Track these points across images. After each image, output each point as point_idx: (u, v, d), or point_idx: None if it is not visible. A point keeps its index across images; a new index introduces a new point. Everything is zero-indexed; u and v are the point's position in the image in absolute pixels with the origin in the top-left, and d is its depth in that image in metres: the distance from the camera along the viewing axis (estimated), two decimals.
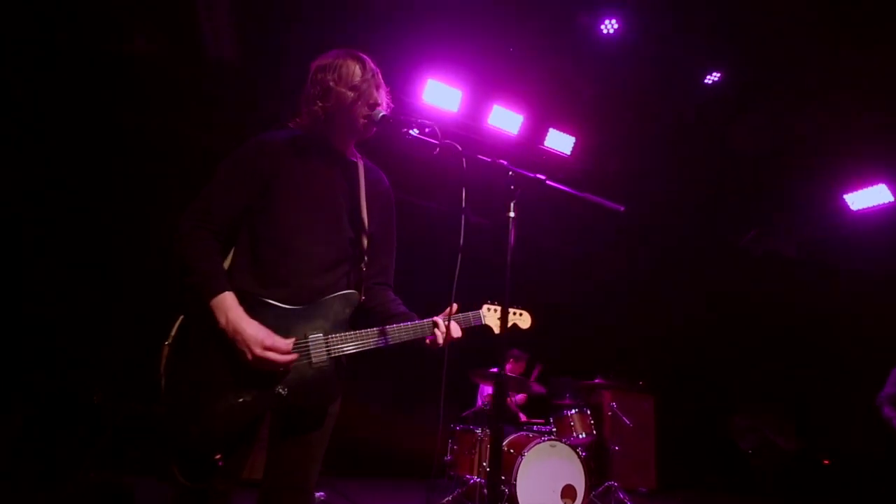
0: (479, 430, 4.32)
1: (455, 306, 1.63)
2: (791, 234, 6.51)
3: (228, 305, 1.38)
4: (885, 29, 4.25)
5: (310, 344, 1.48)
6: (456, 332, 1.63)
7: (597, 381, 4.67)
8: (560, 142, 5.62)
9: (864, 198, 5.89)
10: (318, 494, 4.06)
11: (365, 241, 1.67)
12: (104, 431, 3.74)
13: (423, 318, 1.63)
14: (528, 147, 5.60)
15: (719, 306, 7.18)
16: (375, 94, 1.64)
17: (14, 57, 3.72)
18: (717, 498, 5.69)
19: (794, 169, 5.85)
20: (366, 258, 1.66)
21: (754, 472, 6.62)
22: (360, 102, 1.60)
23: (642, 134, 5.68)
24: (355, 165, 1.71)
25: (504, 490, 3.81)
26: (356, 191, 1.67)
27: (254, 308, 1.42)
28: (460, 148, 1.55)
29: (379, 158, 1.84)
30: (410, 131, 1.56)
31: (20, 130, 4.01)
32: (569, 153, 5.66)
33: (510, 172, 1.51)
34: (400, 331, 1.59)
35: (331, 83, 1.59)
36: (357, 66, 1.64)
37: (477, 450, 4.29)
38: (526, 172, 1.50)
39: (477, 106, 5.28)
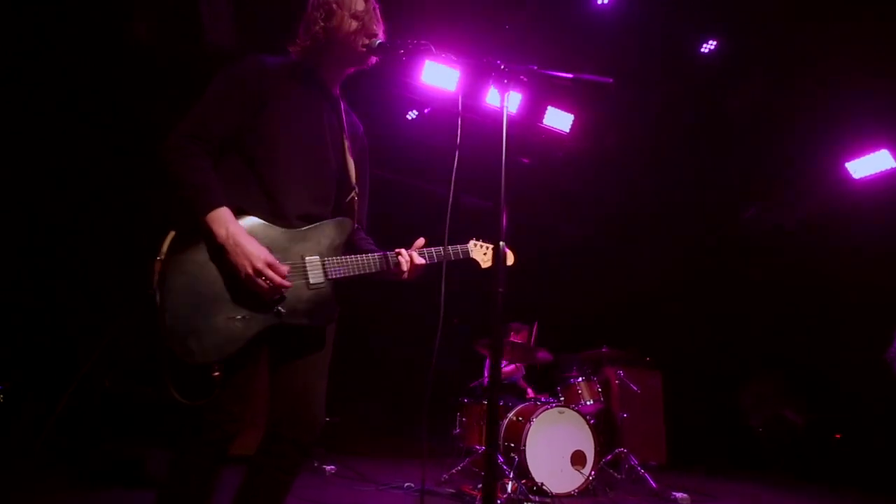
0: (486, 402, 4.35)
1: (422, 240, 1.71)
2: (793, 207, 6.49)
3: (227, 219, 1.37)
4: None
5: (307, 265, 1.51)
6: (418, 259, 1.67)
7: (604, 349, 4.67)
8: (559, 119, 5.64)
9: (867, 165, 5.86)
10: (328, 468, 4.09)
11: (352, 176, 1.70)
12: (115, 411, 3.83)
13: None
14: (527, 126, 5.63)
15: (722, 281, 7.16)
16: (375, 26, 1.67)
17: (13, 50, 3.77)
18: (729, 474, 5.66)
19: (793, 139, 5.83)
20: (355, 190, 1.69)
21: (765, 449, 6.59)
22: (360, 31, 1.62)
23: (640, 107, 5.69)
24: (339, 102, 1.74)
25: (514, 457, 3.82)
26: (340, 129, 1.71)
27: (248, 225, 1.43)
28: (431, 46, 1.59)
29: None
30: (400, 50, 1.61)
31: (27, 121, 4.07)
32: (567, 130, 5.68)
33: (503, 66, 1.52)
34: (380, 259, 1.64)
35: (334, 6, 1.61)
36: None
37: (485, 421, 4.31)
38: (516, 65, 1.52)
39: (474, 86, 5.32)
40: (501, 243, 1.41)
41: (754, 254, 6.94)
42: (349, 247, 1.65)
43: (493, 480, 1.29)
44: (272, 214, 1.49)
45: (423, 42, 1.63)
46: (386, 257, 1.64)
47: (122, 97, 4.30)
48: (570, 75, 1.50)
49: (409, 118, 5.36)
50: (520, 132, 5.71)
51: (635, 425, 5.09)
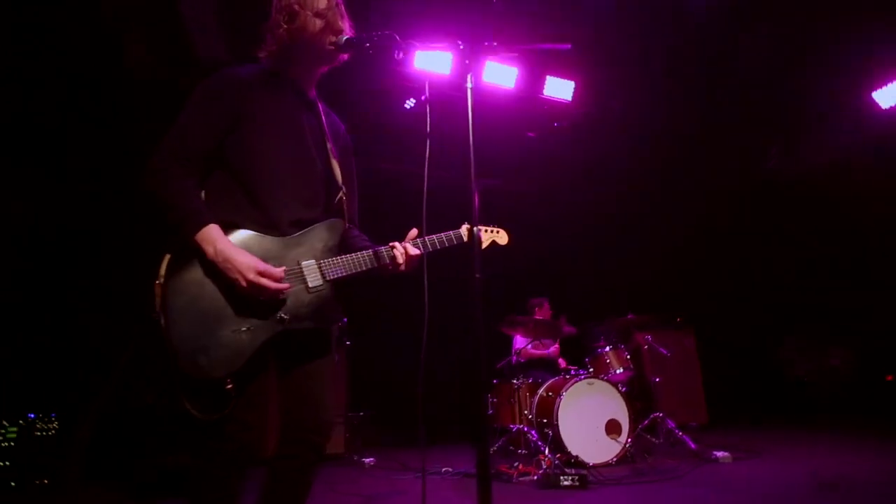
0: (515, 381, 4.37)
1: (414, 231, 1.69)
2: (819, 146, 6.18)
3: (215, 236, 1.39)
4: None
5: (304, 270, 1.52)
6: (412, 251, 1.66)
7: (629, 316, 4.61)
8: (559, 88, 5.50)
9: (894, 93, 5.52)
10: (367, 460, 4.20)
11: (338, 176, 1.69)
12: (159, 425, 4.00)
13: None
14: (528, 99, 5.52)
15: (751, 231, 6.93)
16: (340, 22, 1.64)
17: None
18: (773, 428, 5.54)
19: (813, 74, 5.52)
20: (342, 190, 1.69)
21: (812, 398, 6.41)
22: (326, 30, 1.61)
23: (644, 64, 5.49)
24: (316, 104, 1.74)
25: (548, 433, 3.84)
26: (321, 129, 1.70)
27: (240, 239, 1.45)
28: (395, 36, 1.58)
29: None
30: (366, 44, 1.59)
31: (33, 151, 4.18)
32: (570, 98, 5.54)
33: (461, 46, 1.50)
34: (375, 255, 1.63)
35: (296, 7, 1.59)
36: None
37: (516, 399, 4.34)
38: (475, 43, 1.50)
39: (468, 67, 5.22)
40: (475, 228, 1.39)
41: (783, 200, 6.68)
42: (343, 247, 1.65)
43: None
44: (264, 224, 1.50)
45: (387, 33, 1.61)
46: (380, 252, 1.64)
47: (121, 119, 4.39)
48: (528, 46, 1.47)
49: (408, 107, 5.32)
50: (522, 106, 5.61)
51: (670, 388, 5.02)
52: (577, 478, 3.19)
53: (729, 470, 3.52)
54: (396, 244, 1.66)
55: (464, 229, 1.82)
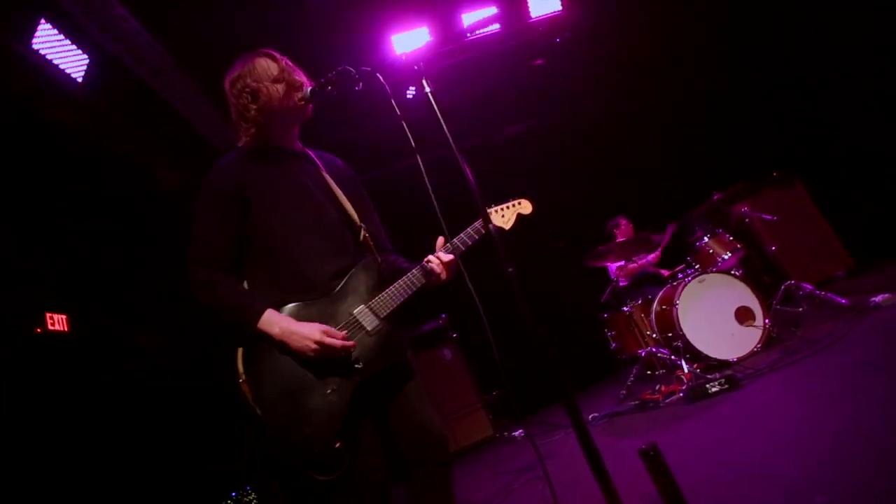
0: (626, 308, 4.22)
1: (441, 239, 1.69)
2: None
3: (274, 319, 1.50)
4: None
5: (358, 317, 1.60)
6: (446, 258, 1.67)
7: (714, 196, 4.21)
8: (544, 4, 5.12)
9: None
10: (517, 433, 4.33)
11: (354, 215, 1.74)
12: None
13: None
14: (519, 32, 5.20)
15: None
16: (297, 77, 1.69)
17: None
18: None
19: None
20: (363, 227, 1.73)
21: None
22: (289, 90, 1.66)
23: None
24: (308, 157, 1.79)
25: (678, 345, 3.69)
26: (321, 177, 1.75)
27: (292, 312, 1.56)
28: (350, 69, 1.62)
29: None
30: (328, 88, 1.65)
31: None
32: (560, 7, 5.13)
33: (416, 67, 1.48)
34: (417, 274, 1.66)
35: (253, 84, 1.65)
36: (268, 60, 1.69)
37: (633, 324, 4.20)
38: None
39: (448, 29, 5.04)
40: (491, 226, 1.37)
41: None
42: (384, 281, 1.70)
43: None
44: (306, 290, 1.59)
45: (340, 69, 1.64)
46: (419, 271, 1.66)
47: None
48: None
49: (409, 96, 5.26)
50: (518, 40, 5.31)
51: (793, 250, 4.52)
52: (723, 380, 3.03)
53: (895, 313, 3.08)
54: (431, 257, 1.68)
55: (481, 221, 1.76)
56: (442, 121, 1.41)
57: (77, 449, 3.58)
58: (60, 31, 2.89)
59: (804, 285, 3.89)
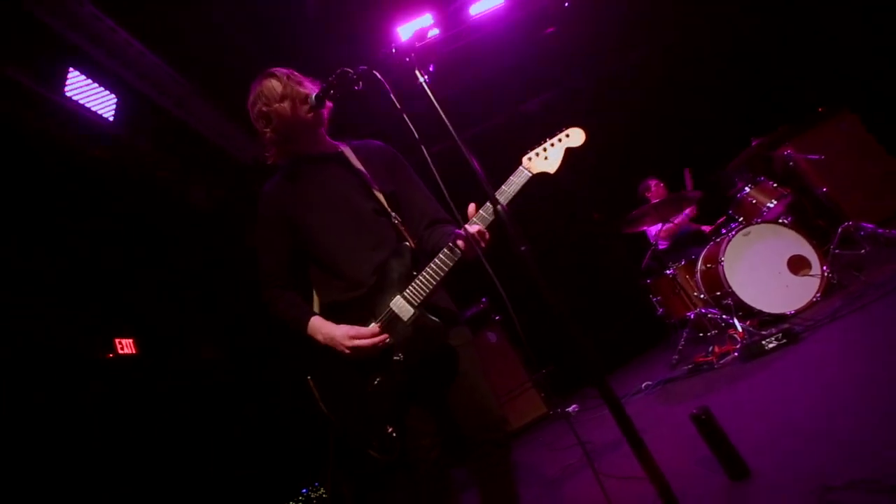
0: (669, 271, 4.10)
1: (472, 206, 1.63)
2: None
3: (318, 326, 1.67)
4: None
5: (394, 309, 1.64)
6: (473, 229, 1.57)
7: (753, 143, 3.96)
8: None
9: None
10: (571, 409, 4.31)
11: (385, 202, 1.74)
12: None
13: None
14: (524, 2, 5.06)
15: None
16: (302, 89, 1.73)
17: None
18: None
19: None
20: (393, 214, 1.73)
21: None
22: (296, 104, 1.71)
23: None
24: (340, 153, 1.83)
25: (728, 303, 3.54)
26: (351, 174, 1.78)
27: (343, 311, 1.68)
28: (348, 71, 1.64)
29: None
30: (330, 92, 1.70)
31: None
32: None
33: (407, 59, 1.49)
34: (443, 258, 1.62)
35: (263, 108, 1.74)
36: (273, 81, 1.74)
37: (678, 287, 4.07)
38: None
39: (452, 14, 4.98)
40: (499, 208, 1.35)
41: None
42: (421, 262, 1.67)
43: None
44: (353, 288, 1.69)
45: (339, 71, 1.65)
46: (446, 252, 1.62)
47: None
48: None
49: (422, 82, 5.22)
50: (526, 11, 5.17)
51: (848, 189, 4.19)
52: (781, 335, 2.90)
53: None
54: (459, 231, 1.60)
55: (525, 161, 1.69)
56: (438, 107, 1.42)
57: (164, 457, 3.87)
58: (88, 76, 3.06)
59: (865, 225, 3.63)
